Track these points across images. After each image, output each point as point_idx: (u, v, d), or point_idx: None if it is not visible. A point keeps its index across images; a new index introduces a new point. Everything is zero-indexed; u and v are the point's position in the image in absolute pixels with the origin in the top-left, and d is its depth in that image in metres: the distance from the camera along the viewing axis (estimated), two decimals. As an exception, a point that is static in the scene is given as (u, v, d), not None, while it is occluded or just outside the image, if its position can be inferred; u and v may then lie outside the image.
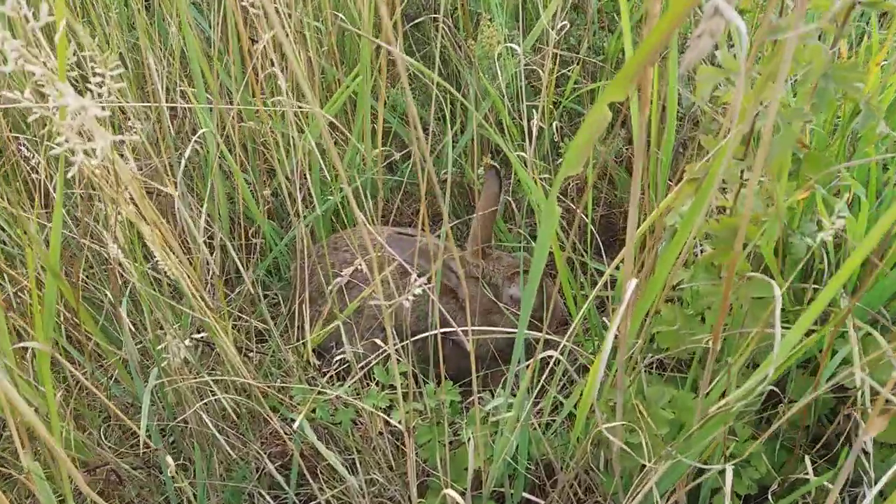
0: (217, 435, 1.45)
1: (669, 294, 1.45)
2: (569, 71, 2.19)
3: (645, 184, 1.66)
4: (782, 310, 1.46)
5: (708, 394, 1.23)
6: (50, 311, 1.35)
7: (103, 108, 0.95)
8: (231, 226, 2.16)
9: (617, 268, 2.13)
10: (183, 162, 1.50)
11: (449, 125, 2.29)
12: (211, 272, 1.48)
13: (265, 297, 2.10)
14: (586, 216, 1.75)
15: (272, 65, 2.26)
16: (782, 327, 1.42)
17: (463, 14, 2.37)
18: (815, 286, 1.52)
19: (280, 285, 2.01)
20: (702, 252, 1.65)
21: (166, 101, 2.11)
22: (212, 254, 1.82)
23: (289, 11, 2.01)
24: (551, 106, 2.09)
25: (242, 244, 1.98)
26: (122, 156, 1.14)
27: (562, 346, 1.28)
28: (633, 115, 1.33)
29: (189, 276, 1.44)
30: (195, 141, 1.63)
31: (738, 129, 1.06)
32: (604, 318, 1.58)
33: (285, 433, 1.47)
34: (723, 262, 1.36)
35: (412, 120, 0.84)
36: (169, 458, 1.24)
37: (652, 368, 1.66)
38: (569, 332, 1.31)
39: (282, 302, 1.70)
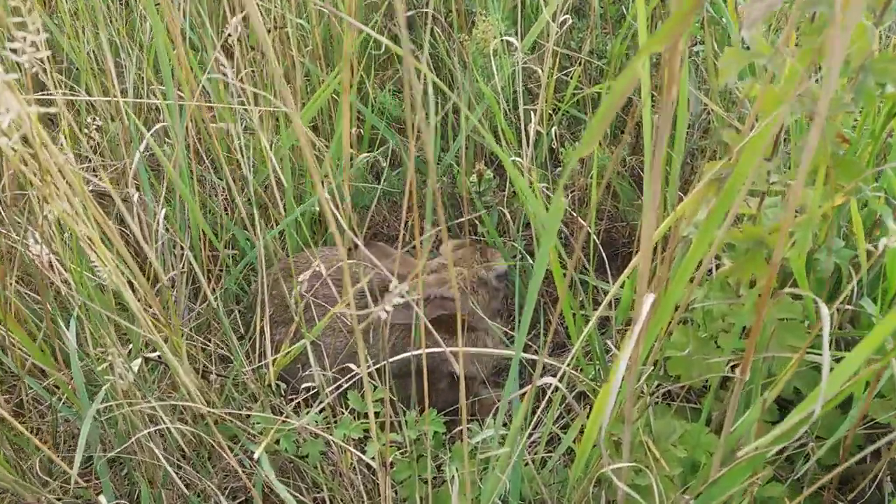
0: (168, 468, 1.27)
1: (679, 315, 1.29)
2: (568, 76, 2.05)
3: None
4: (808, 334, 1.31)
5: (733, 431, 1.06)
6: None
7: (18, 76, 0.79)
8: (201, 234, 1.99)
9: (622, 286, 1.96)
10: (136, 158, 1.34)
11: (439, 128, 2.13)
12: (168, 283, 1.31)
13: (232, 313, 1.93)
14: (589, 228, 1.58)
15: (251, 62, 2.11)
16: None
17: (458, 16, 2.23)
18: (845, 307, 1.36)
19: (248, 299, 1.84)
20: (716, 267, 1.49)
21: (136, 98, 1.95)
22: (178, 264, 1.65)
23: (267, 6, 1.86)
24: (550, 111, 1.94)
25: (205, 254, 1.80)
26: (72, 153, 0.98)
27: (562, 371, 1.11)
28: (645, 94, 1.17)
29: (139, 286, 1.27)
30: (151, 140, 1.46)
31: (770, 121, 0.90)
32: (606, 341, 1.42)
33: (245, 467, 1.29)
34: (743, 279, 1.20)
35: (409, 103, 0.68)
36: (102, 498, 1.06)
37: (658, 398, 1.49)
38: (569, 357, 1.14)
39: (240, 323, 1.52)
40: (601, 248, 1.61)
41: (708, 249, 1.01)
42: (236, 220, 1.94)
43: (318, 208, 1.81)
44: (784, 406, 1.36)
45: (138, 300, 1.27)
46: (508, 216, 1.94)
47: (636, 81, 0.67)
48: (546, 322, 1.79)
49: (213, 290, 1.68)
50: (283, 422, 1.24)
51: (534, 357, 1.26)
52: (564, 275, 1.61)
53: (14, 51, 0.88)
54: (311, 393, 1.34)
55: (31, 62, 0.87)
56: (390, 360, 1.19)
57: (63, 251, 1.13)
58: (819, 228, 1.36)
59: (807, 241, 1.04)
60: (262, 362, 1.34)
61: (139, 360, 1.35)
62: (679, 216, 1.02)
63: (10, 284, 1.26)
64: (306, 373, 1.35)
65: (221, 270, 1.87)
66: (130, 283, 1.25)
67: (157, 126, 1.43)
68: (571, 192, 1.91)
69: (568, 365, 1.14)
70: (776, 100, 0.99)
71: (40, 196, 0.96)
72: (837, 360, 1.22)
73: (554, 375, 1.15)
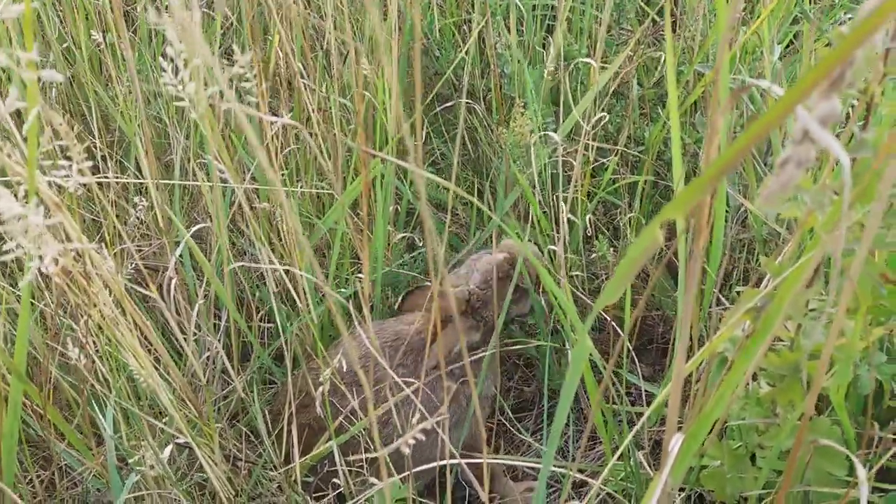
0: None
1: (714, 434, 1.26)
2: (606, 160, 2.05)
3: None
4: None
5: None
6: (14, 415, 1.21)
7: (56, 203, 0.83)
8: (239, 306, 2.02)
9: (652, 379, 1.92)
10: (182, 245, 1.37)
11: (474, 213, 2.15)
12: (201, 375, 1.33)
13: (270, 384, 1.94)
14: (621, 327, 1.57)
15: (295, 138, 2.17)
16: (844, 482, 1.21)
17: (497, 95, 2.26)
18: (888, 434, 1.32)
19: (281, 382, 1.85)
20: (754, 380, 1.46)
21: (181, 177, 2.01)
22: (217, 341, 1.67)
23: (313, 87, 1.92)
24: (584, 197, 1.94)
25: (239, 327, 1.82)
26: (102, 249, 1.01)
27: (595, 489, 1.09)
28: (681, 251, 1.17)
29: (175, 380, 1.30)
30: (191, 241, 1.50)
31: (812, 256, 0.89)
32: (639, 453, 1.39)
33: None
34: (782, 403, 1.17)
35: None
36: None
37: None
38: (603, 473, 1.12)
39: (267, 418, 1.52)
40: (634, 337, 1.59)
41: (743, 377, 0.99)
42: (276, 294, 1.97)
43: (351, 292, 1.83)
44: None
45: (174, 390, 1.30)
46: (543, 301, 1.94)
47: (656, 247, 0.66)
48: (577, 417, 1.77)
49: (242, 370, 1.69)
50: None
51: (563, 470, 1.23)
52: (596, 376, 1.59)
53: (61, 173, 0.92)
54: (337, 492, 1.34)
55: (76, 187, 0.90)
56: (416, 468, 1.18)
57: (101, 350, 1.15)
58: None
59: (847, 375, 1.02)
60: (290, 466, 1.34)
61: (170, 447, 1.37)
62: (711, 351, 1.01)
63: (49, 380, 1.29)
64: (333, 468, 1.34)
65: (262, 341, 1.90)
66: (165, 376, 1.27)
67: (196, 227, 1.47)
68: (605, 280, 1.90)
69: (604, 482, 1.12)
70: (818, 234, 0.98)
71: (81, 303, 0.99)
72: (883, 492, 1.18)
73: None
